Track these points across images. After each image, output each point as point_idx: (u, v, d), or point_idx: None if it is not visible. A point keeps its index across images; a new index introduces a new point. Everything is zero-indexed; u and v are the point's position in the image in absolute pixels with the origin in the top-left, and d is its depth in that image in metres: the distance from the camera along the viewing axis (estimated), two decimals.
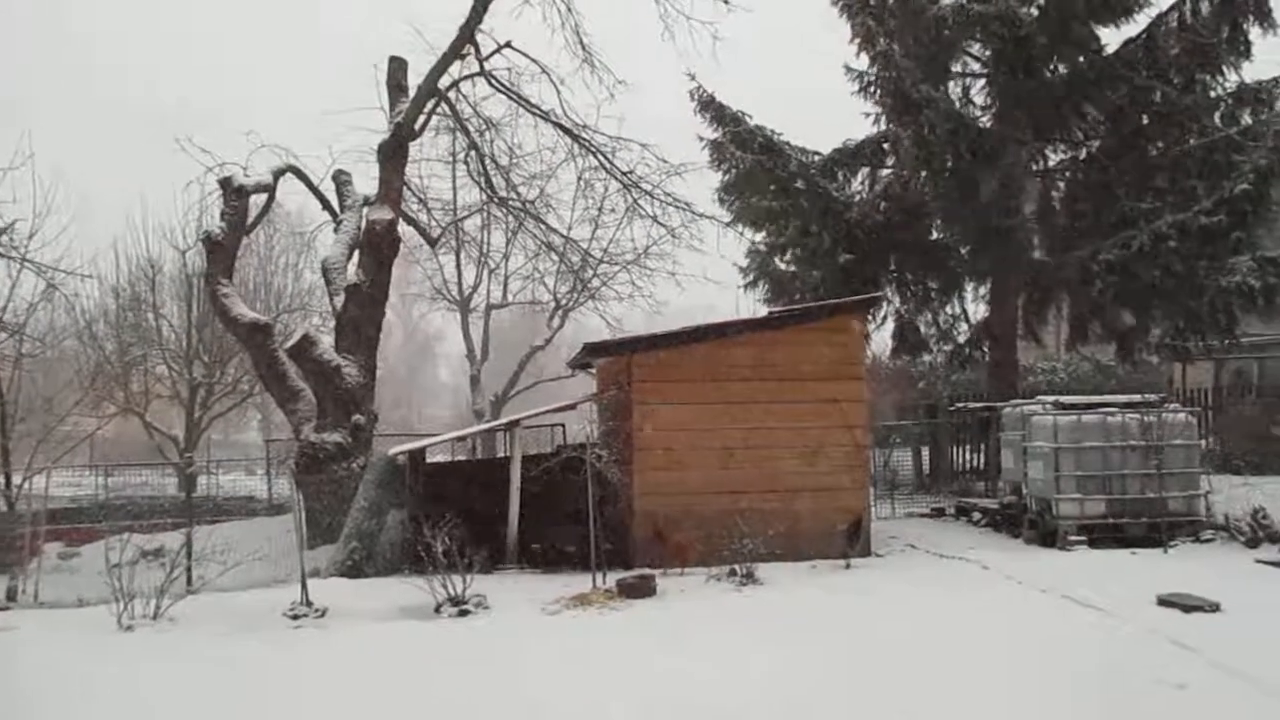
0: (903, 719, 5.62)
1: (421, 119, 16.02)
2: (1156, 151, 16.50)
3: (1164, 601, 8.10)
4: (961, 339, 19.41)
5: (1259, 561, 9.91)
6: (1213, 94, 16.43)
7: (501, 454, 15.16)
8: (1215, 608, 7.82)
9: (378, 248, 14.96)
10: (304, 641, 8.06)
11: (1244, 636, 7.01)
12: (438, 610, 8.78)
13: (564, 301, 26.33)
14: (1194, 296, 15.46)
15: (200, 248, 15.97)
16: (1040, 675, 6.44)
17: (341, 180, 16.76)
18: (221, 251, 14.92)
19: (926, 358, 20.61)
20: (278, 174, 16.26)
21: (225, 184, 15.15)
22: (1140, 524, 11.42)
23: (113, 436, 28.16)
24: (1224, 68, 16.17)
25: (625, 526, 11.34)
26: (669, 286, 21.56)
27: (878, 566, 10.94)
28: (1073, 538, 11.35)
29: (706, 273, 19.54)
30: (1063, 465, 11.59)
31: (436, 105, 16.46)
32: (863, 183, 18.93)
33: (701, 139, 17.84)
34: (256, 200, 16.53)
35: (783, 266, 18.97)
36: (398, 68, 16.07)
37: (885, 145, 18.29)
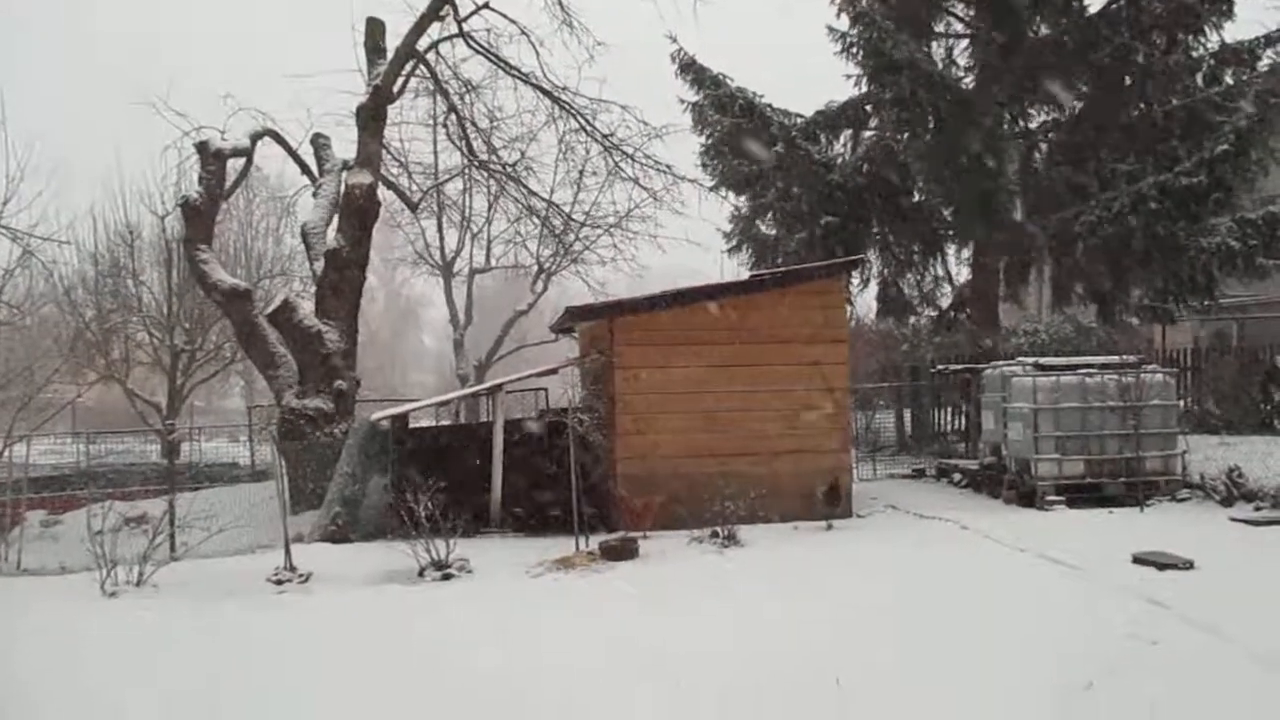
0: (882, 677, 5.68)
1: (400, 81, 15.86)
2: (1139, 112, 16.49)
3: (1139, 560, 8.20)
4: (944, 302, 19.48)
5: (1233, 520, 10.03)
6: (1195, 54, 16.42)
7: (485, 419, 15.16)
8: (1189, 565, 7.93)
9: (357, 212, 14.85)
10: (288, 606, 8.09)
11: (1216, 593, 7.12)
12: (421, 574, 8.83)
13: (547, 265, 26.26)
14: (1174, 258, 15.54)
15: (179, 213, 15.81)
16: (1017, 632, 6.53)
17: (320, 144, 16.61)
18: (200, 217, 14.78)
19: (910, 320, 20.68)
20: (255, 138, 16.08)
21: (202, 148, 14.99)
22: (1118, 484, 11.55)
23: (95, 404, 28.02)
24: (1206, 27, 16.15)
25: (608, 489, 11.39)
26: (652, 250, 21.56)
27: (858, 527, 11.04)
28: (1051, 498, 11.46)
29: (689, 236, 19.53)
30: (1042, 426, 11.69)
31: (415, 67, 16.30)
32: (845, 145, 18.90)
33: (683, 102, 17.77)
34: (235, 165, 16.35)
35: (765, 230, 18.94)
36: (375, 29, 15.86)
37: (867, 107, 18.25)
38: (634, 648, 6.54)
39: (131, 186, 33.46)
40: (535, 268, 26.71)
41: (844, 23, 17.22)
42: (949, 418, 18.63)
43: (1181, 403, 13.89)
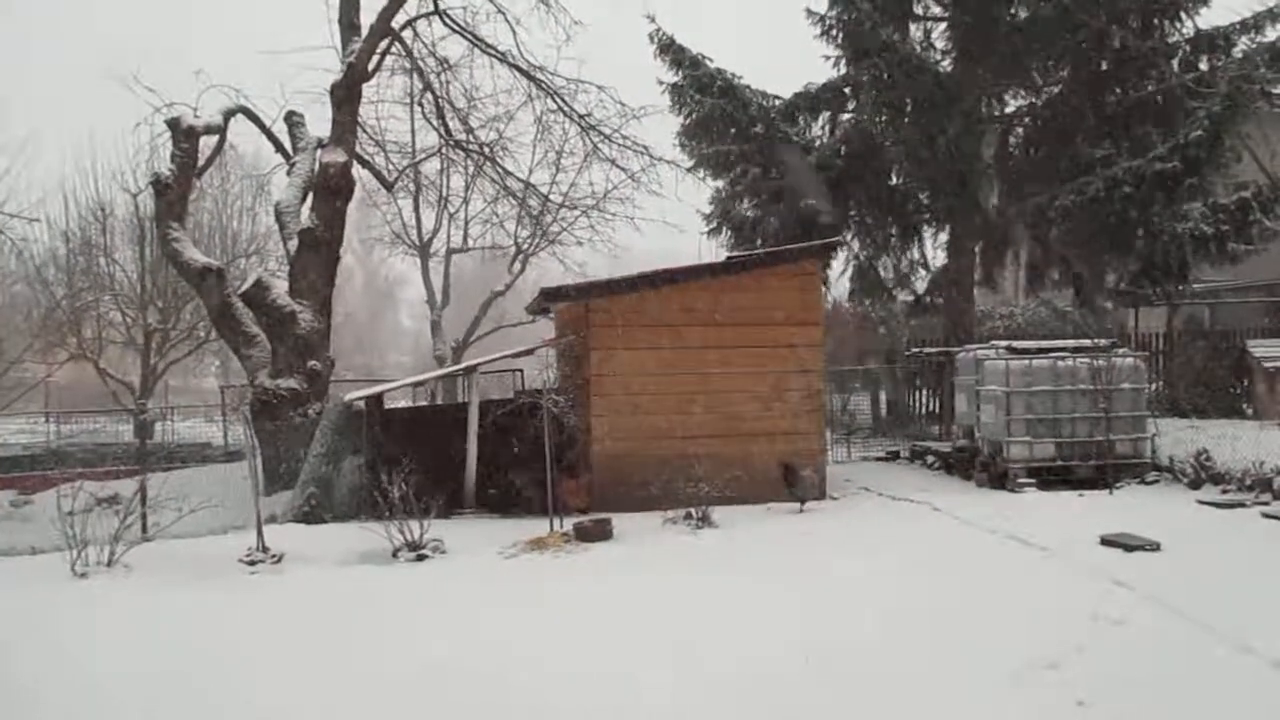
0: (850, 655, 5.73)
1: (375, 59, 15.67)
2: (1114, 97, 16.54)
3: (1107, 541, 8.29)
4: (921, 285, 19.54)
5: (1200, 502, 10.14)
6: (1171, 40, 16.47)
7: (462, 400, 15.13)
8: (1156, 547, 8.02)
9: (332, 191, 14.73)
10: (260, 587, 8.08)
11: (1182, 575, 7.20)
12: (395, 555, 8.82)
13: (524, 247, 26.15)
14: (1148, 242, 15.65)
15: (151, 191, 15.63)
16: (984, 612, 6.60)
17: (294, 121, 16.42)
18: (172, 194, 14.59)
19: (888, 304, 20.76)
20: (228, 115, 15.88)
21: (174, 125, 14.78)
22: (1088, 466, 11.67)
23: (67, 383, 27.77)
24: (1182, 14, 16.19)
25: (583, 471, 11.41)
26: (630, 232, 21.48)
27: (831, 509, 11.11)
28: (1022, 480, 11.57)
29: (667, 218, 19.46)
30: (1014, 409, 11.78)
31: (390, 45, 16.13)
32: (823, 127, 18.84)
33: (662, 82, 17.65)
34: (208, 142, 16.16)
35: (744, 212, 18.91)
36: (350, 5, 15.64)
37: (846, 89, 18.20)
38: (603, 628, 6.57)
39: (103, 163, 33.14)
40: (513, 249, 26.59)
41: (823, 4, 17.21)
42: (923, 400, 18.76)
43: (1152, 386, 14.05)
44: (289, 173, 16.20)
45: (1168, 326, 19.63)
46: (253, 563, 8.68)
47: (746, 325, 11.69)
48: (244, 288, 14.45)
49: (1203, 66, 16.16)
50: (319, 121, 16.35)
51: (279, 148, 16.95)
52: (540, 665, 5.80)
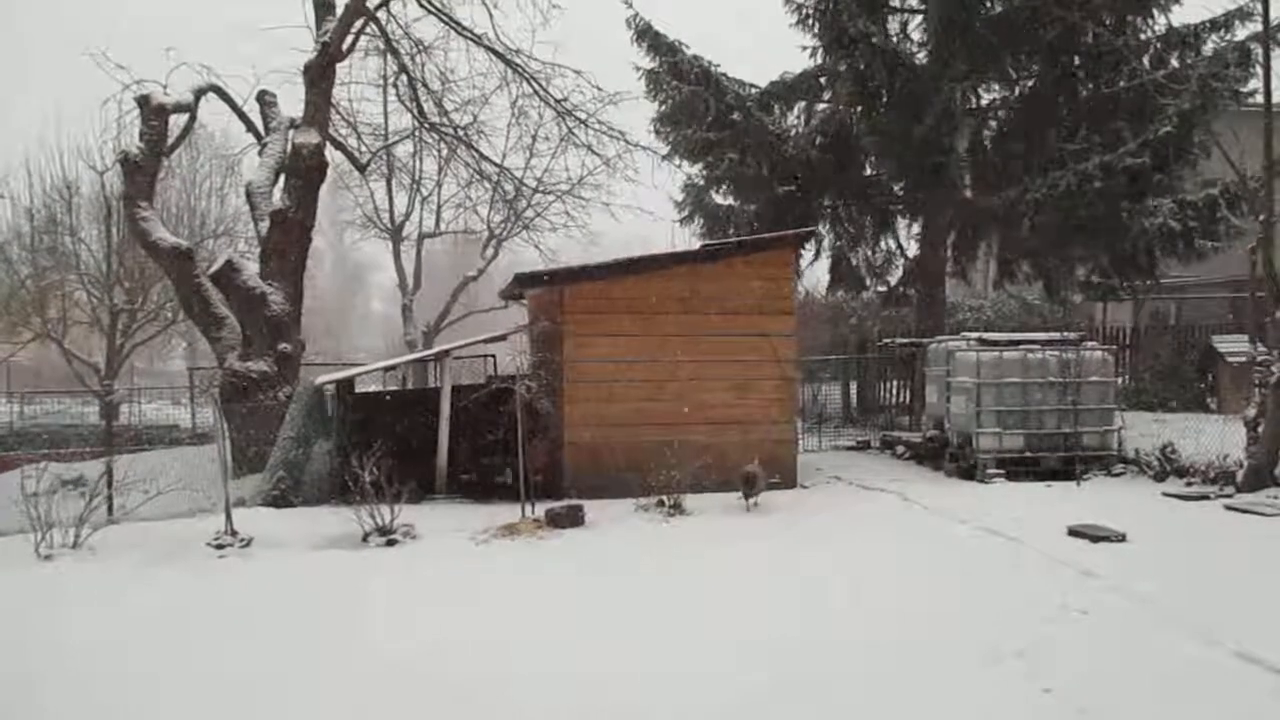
0: (819, 646, 5.77)
1: (349, 39, 15.50)
2: (1086, 93, 16.68)
3: (1074, 532, 8.40)
4: (894, 276, 19.64)
5: (1165, 494, 10.29)
6: (1143, 36, 16.61)
7: (434, 384, 15.06)
8: (1121, 538, 8.14)
9: (304, 172, 14.58)
10: (227, 570, 8.00)
11: (1146, 565, 7.31)
12: (365, 540, 8.77)
13: (498, 231, 26.05)
14: (1118, 237, 15.81)
15: (119, 169, 15.40)
16: (952, 601, 6.67)
17: (266, 101, 16.22)
18: (140, 173, 14.39)
19: (861, 294, 20.86)
20: (199, 93, 15.67)
21: (143, 102, 14.56)
22: (1056, 458, 11.80)
23: (31, 364, 27.40)
24: (1154, 10, 16.34)
25: (556, 457, 11.41)
26: (604, 218, 21.48)
27: (802, 498, 11.13)
28: (991, 471, 11.69)
29: (641, 204, 19.47)
30: (983, 400, 11.88)
31: (365, 25, 15.97)
32: (799, 116, 18.88)
33: (638, 68, 17.58)
34: (177, 120, 15.93)
35: (719, 200, 18.92)
36: None
37: (822, 79, 18.23)
38: (574, 613, 6.58)
39: (69, 139, 32.67)
40: (486, 233, 26.48)
41: None
42: (894, 391, 18.88)
43: (1119, 380, 14.22)
44: (260, 153, 16.01)
45: (1135, 320, 19.91)
46: (220, 546, 8.59)
47: (720, 313, 11.70)
48: (214, 269, 14.29)
49: (1174, 63, 16.33)
50: (292, 102, 16.20)
51: (250, 127, 16.74)
52: (506, 653, 5.79)
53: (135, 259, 21.77)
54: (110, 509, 9.67)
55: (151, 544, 8.64)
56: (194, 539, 8.71)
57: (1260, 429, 9.97)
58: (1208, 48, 16.10)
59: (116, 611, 6.77)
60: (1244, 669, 5.17)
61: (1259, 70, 14.53)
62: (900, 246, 19.49)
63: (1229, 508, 9.37)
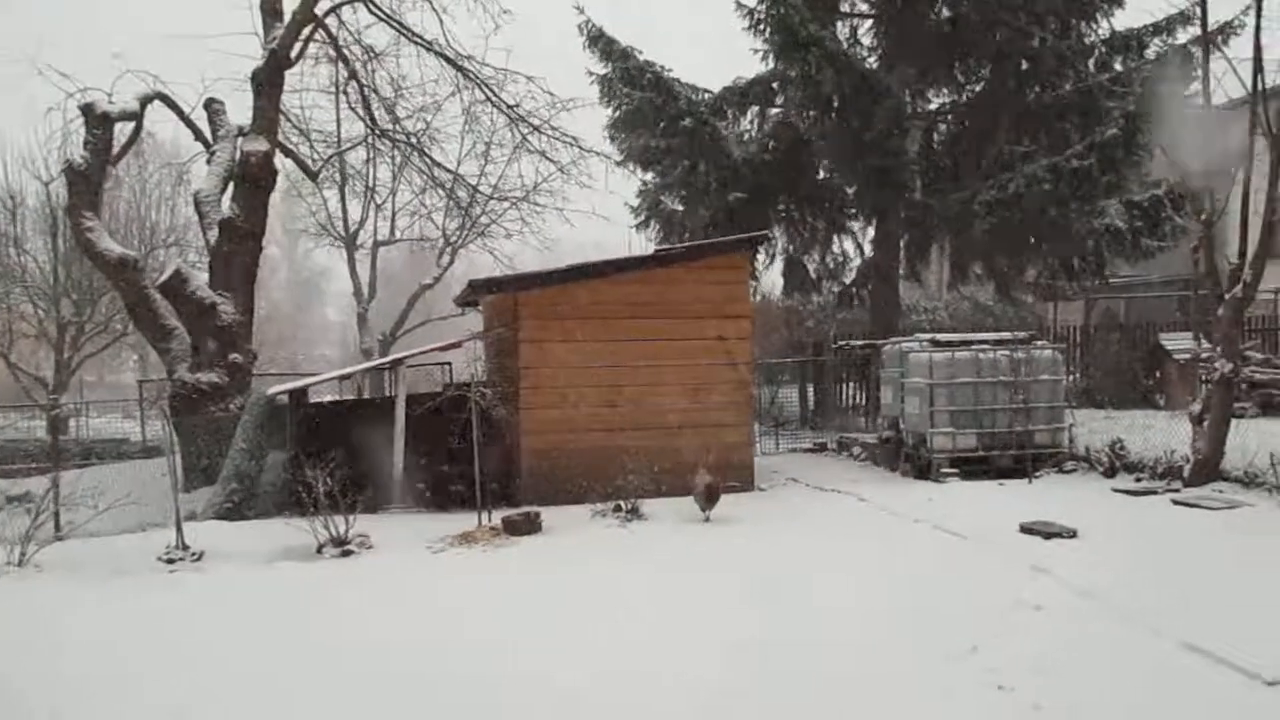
0: (775, 645, 5.78)
1: (298, 46, 15.32)
2: (1034, 96, 16.95)
3: (1026, 529, 8.50)
4: (848, 278, 19.79)
5: (1115, 490, 10.44)
6: (1088, 40, 16.94)
7: (390, 393, 14.93)
8: (1073, 534, 8.25)
9: (253, 180, 14.40)
10: (179, 584, 7.87)
11: (1097, 560, 7.41)
12: (319, 551, 8.67)
13: (453, 239, 25.89)
14: (1066, 238, 16.06)
15: (64, 179, 15.09)
16: (907, 599, 6.72)
17: (214, 109, 15.97)
18: (85, 182, 14.08)
19: (816, 298, 21.00)
20: (145, 101, 15.38)
21: (87, 111, 14.27)
22: (1009, 456, 11.94)
23: None
24: (1098, 15, 16.68)
25: (512, 464, 11.36)
26: (559, 224, 21.43)
27: (760, 500, 11.19)
28: (945, 470, 11.81)
29: (596, 209, 19.45)
30: (937, 400, 12.00)
31: (314, 32, 15.81)
32: (752, 122, 19.00)
33: (591, 74, 17.61)
34: (124, 129, 15.66)
35: (672, 205, 18.96)
36: None
37: (774, 84, 18.34)
38: (531, 620, 6.54)
39: (13, 149, 32.00)
40: (441, 241, 26.31)
41: None
42: (850, 393, 19.01)
43: (1069, 378, 14.43)
44: (209, 161, 15.77)
45: (1085, 320, 20.21)
46: (171, 560, 8.45)
47: (676, 318, 11.71)
48: (162, 279, 14.06)
49: (1118, 67, 16.65)
50: (241, 109, 15.97)
51: (199, 136, 16.49)
52: (461, 659, 5.74)
53: (83, 270, 21.37)
54: (57, 525, 9.49)
55: (100, 560, 8.48)
56: (144, 554, 8.56)
57: (1205, 424, 10.15)
58: (1150, 51, 16.45)
59: (58, 629, 6.62)
60: (1189, 659, 5.24)
61: (1199, 72, 14.84)
62: (859, 247, 19.67)
63: (1176, 502, 9.52)
